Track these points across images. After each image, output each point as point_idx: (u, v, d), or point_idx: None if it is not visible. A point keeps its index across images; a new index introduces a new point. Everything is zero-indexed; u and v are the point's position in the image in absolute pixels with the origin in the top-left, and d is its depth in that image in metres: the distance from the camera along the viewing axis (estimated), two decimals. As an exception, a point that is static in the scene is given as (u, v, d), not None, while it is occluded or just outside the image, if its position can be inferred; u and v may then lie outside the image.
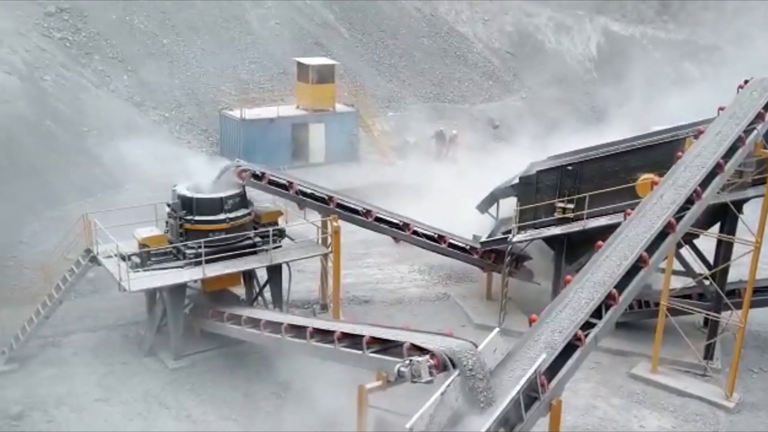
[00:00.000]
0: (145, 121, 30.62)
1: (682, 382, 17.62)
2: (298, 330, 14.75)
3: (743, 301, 17.01)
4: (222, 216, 17.87)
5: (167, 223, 18.21)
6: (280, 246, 18.77)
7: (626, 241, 12.99)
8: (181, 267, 17.44)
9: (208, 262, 17.26)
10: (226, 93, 33.44)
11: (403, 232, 21.02)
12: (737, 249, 17.41)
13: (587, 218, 18.69)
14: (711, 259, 18.67)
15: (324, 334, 13.96)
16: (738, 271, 18.58)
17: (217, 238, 17.69)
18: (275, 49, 36.29)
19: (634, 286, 12.34)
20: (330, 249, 18.98)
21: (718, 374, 17.87)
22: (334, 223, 18.69)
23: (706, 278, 18.05)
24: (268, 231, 18.19)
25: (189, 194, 17.93)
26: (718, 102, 17.11)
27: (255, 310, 18.14)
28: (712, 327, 18.42)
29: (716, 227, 18.12)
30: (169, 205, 18.13)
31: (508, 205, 20.45)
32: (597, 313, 11.78)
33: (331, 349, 13.42)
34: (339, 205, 20.39)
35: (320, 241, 19.63)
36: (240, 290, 19.54)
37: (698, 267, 18.61)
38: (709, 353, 18.35)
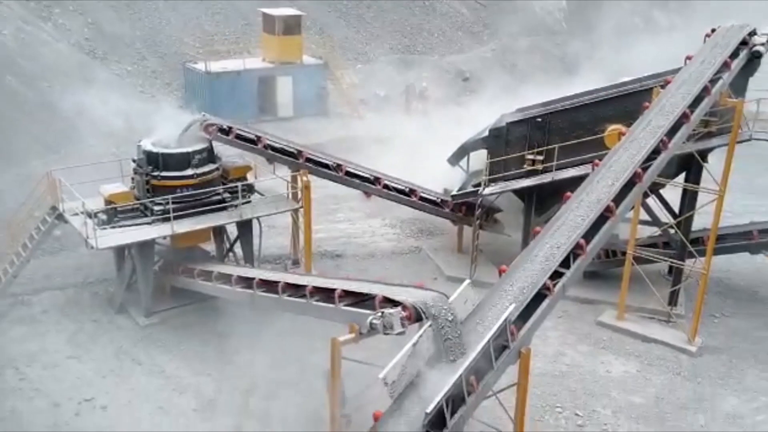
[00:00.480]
0: (107, 74, 29.87)
1: (647, 328, 18.12)
2: (270, 285, 14.77)
3: (707, 248, 17.45)
4: (189, 171, 17.67)
5: (133, 179, 17.97)
6: (249, 201, 18.66)
7: (594, 191, 13.14)
8: (149, 223, 17.28)
9: (176, 218, 17.13)
10: (189, 45, 32.68)
11: (374, 186, 21.02)
12: (702, 198, 17.76)
13: (556, 170, 18.86)
14: (676, 208, 19.07)
15: (296, 289, 14.01)
16: (702, 220, 19.00)
17: (184, 194, 17.52)
18: (240, 0, 35.43)
19: (602, 236, 12.53)
20: (300, 204, 18.91)
21: (681, 320, 18.39)
22: (304, 178, 18.60)
23: (671, 227, 18.43)
24: (236, 186, 18.05)
25: (155, 150, 17.66)
26: (688, 51, 17.22)
27: (226, 266, 18.11)
28: (676, 274, 18.89)
29: (682, 177, 18.44)
30: (134, 161, 17.86)
31: (479, 158, 20.52)
32: (565, 263, 11.98)
33: (304, 303, 13.49)
34: (309, 160, 20.25)
35: (290, 197, 19.54)
36: (211, 246, 19.48)
37: (664, 216, 18.97)
38: (673, 300, 18.86)
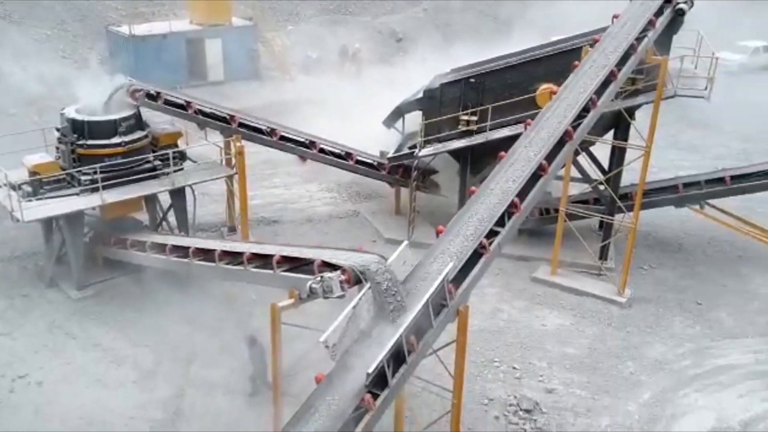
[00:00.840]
0: (25, 40, 28.45)
1: (579, 282, 18.75)
2: (206, 253, 14.59)
3: (634, 203, 18.08)
4: (117, 139, 17.15)
5: (58, 148, 17.33)
6: (181, 169, 18.27)
7: (527, 150, 13.36)
8: (77, 194, 16.75)
9: (105, 188, 16.64)
10: (112, 7, 31.37)
11: (309, 151, 20.88)
12: (629, 154, 18.32)
13: (490, 130, 19.09)
14: (606, 165, 19.62)
15: (233, 256, 13.88)
16: (630, 176, 19.63)
17: (113, 162, 17.01)
18: (164, -41, 34.15)
19: (535, 194, 12.78)
20: (234, 170, 18.65)
21: (611, 273, 19.06)
22: (238, 144, 18.31)
23: (601, 183, 18.97)
24: (167, 154, 17.63)
25: (80, 117, 17.03)
26: (615, 10, 17.56)
27: (160, 235, 17.77)
28: (606, 229, 19.53)
29: (610, 134, 18.96)
30: (58, 130, 17.20)
31: (414, 120, 20.59)
32: (500, 222, 12.20)
33: (242, 270, 13.37)
34: (242, 125, 19.95)
35: (224, 163, 19.24)
36: (143, 216, 19.06)
37: (594, 173, 19.50)
38: (603, 254, 19.53)
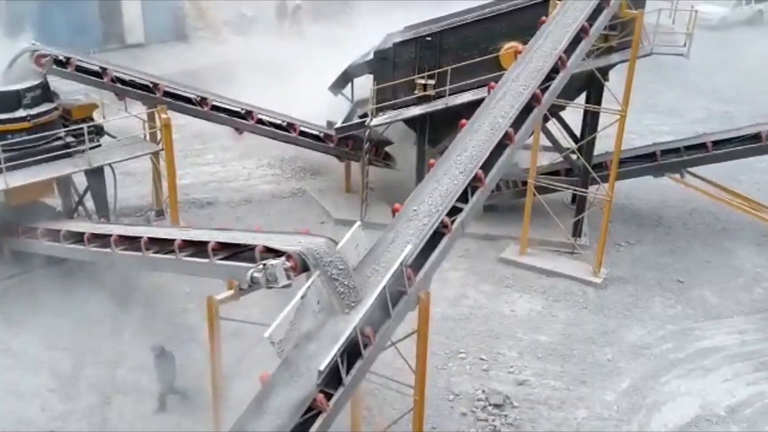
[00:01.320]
0: None
1: (551, 262, 19.11)
2: (130, 241, 14.42)
3: (609, 173, 18.42)
4: (21, 113, 16.72)
5: (-48, 125, 16.80)
6: (99, 145, 17.91)
7: (490, 117, 13.47)
8: (-23, 178, 16.30)
9: (9, 169, 16.23)
10: (9, -41, 30.38)
11: (246, 122, 20.71)
12: (603, 119, 18.61)
13: (450, 95, 19.18)
14: (578, 132, 19.94)
15: (162, 244, 13.76)
16: (605, 144, 19.98)
17: (17, 140, 16.59)
18: None
19: (501, 166, 12.91)
20: (160, 146, 18.41)
21: (586, 251, 19.50)
22: (163, 115, 18.06)
23: (573, 152, 19.29)
24: (81, 129, 17.25)
25: (-24, 88, 16.53)
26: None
27: (76, 222, 17.46)
28: (579, 203, 19.91)
29: (582, 98, 19.24)
30: (-49, 103, 16.67)
31: (365, 85, 20.55)
32: (463, 197, 12.30)
33: (173, 260, 13.25)
34: (167, 94, 19.67)
35: (148, 137, 18.98)
36: (56, 201, 18.67)
37: (565, 141, 19.79)
38: (577, 230, 19.92)
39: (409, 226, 11.85)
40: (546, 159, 20.56)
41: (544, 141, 19.58)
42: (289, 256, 10.71)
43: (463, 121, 13.47)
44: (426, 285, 11.42)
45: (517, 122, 13.40)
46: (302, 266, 10.69)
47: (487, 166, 12.71)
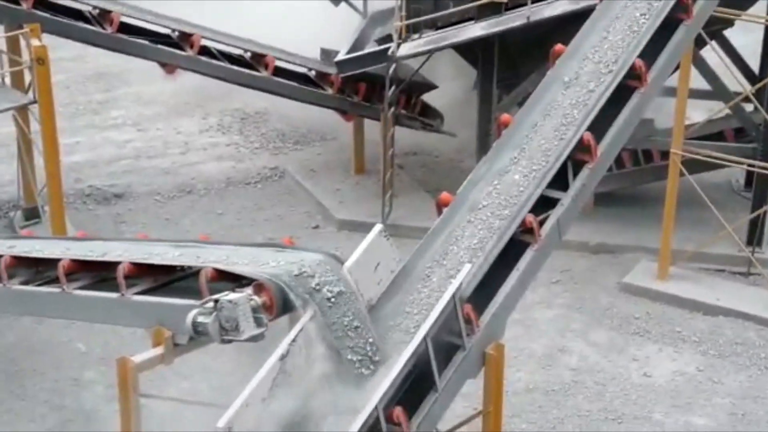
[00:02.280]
0: None
1: (712, 291, 19.04)
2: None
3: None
4: None
5: None
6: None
7: (605, 41, 13.50)
8: None
9: None
10: None
11: (180, 52, 20.69)
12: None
13: (534, 2, 19.19)
14: (755, 65, 19.89)
15: (38, 268, 13.88)
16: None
17: None
18: None
19: (623, 125, 12.93)
20: (32, 96, 18.58)
21: (771, 270, 19.48)
22: (35, 42, 18.20)
23: (748, 99, 19.21)
24: None
25: None
26: None
27: None
28: (760, 187, 19.84)
29: (763, 6, 19.13)
30: None
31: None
32: (560, 181, 12.35)
33: (55, 294, 13.28)
34: (44, 4, 19.65)
35: (8, 82, 19.16)
36: None
37: (735, 81, 19.69)
38: (756, 235, 19.80)
39: (467, 231, 11.90)
40: (700, 113, 20.40)
41: (697, 82, 19.49)
42: (259, 286, 10.72)
43: (558, 46, 13.46)
44: (497, 333, 11.44)
45: (650, 50, 13.40)
46: (281, 304, 10.71)
47: (599, 125, 12.74)
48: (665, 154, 19.23)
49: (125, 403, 11.19)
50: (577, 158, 12.47)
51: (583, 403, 16.73)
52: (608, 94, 12.93)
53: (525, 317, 17.90)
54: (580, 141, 12.45)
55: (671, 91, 18.35)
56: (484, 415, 11.42)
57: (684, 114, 18.67)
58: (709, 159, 19.05)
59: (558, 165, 12.35)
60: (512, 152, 12.58)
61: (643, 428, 16.26)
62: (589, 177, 12.51)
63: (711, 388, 17.10)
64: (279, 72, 21.52)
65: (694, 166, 19.02)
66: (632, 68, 13.10)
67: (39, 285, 13.65)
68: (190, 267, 12.06)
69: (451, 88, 21.88)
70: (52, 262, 13.39)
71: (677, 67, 16.96)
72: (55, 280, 13.31)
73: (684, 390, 17.04)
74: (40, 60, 18.03)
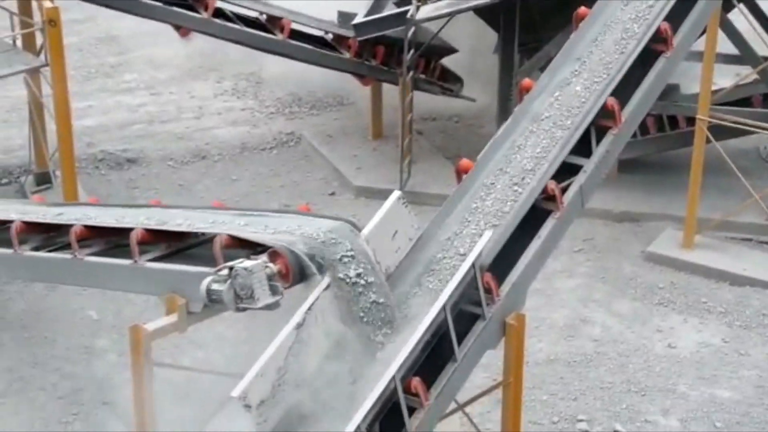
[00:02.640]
0: None
1: (738, 261, 18.96)
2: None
3: None
4: None
5: None
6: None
7: (628, 3, 13.46)
8: None
9: None
10: None
11: (195, 14, 20.63)
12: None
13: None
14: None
15: (49, 234, 13.87)
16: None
17: None
18: None
19: (648, 90, 12.87)
20: (43, 59, 18.52)
21: (800, 241, 19.36)
22: (47, 3, 18.12)
23: (778, 63, 19.03)
24: None
25: None
26: None
27: None
28: (788, 154, 19.65)
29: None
30: None
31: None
32: (583, 147, 12.28)
33: (68, 261, 13.29)
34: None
35: (20, 44, 19.10)
36: None
37: (762, 46, 19.57)
38: (784, 204, 19.65)
39: (488, 199, 11.82)
40: (727, 78, 20.20)
41: (725, 46, 19.30)
42: (274, 253, 10.66)
43: (582, 9, 13.43)
44: (518, 303, 11.41)
45: (677, 12, 13.32)
46: (298, 271, 10.65)
47: (624, 90, 12.67)
48: (691, 120, 19.13)
49: (138, 371, 11.20)
50: (600, 124, 12.45)
51: (605, 374, 16.68)
52: (633, 55, 12.91)
53: (546, 287, 17.86)
54: (604, 106, 12.39)
55: (698, 56, 18.30)
56: (504, 386, 11.43)
57: (711, 79, 18.55)
58: (736, 125, 18.92)
59: (581, 130, 12.32)
60: (531, 118, 12.57)
61: (667, 400, 16.22)
62: (612, 143, 12.50)
63: (737, 360, 17.03)
64: (295, 35, 21.46)
65: (720, 132, 18.89)
66: (658, 32, 13.05)
67: (52, 251, 13.70)
68: (204, 234, 12.08)
69: (471, 52, 21.72)
70: (66, 228, 13.42)
71: (704, 31, 16.87)
72: (67, 246, 13.35)
73: (709, 362, 16.97)
74: (52, 21, 17.99)
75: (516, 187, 11.88)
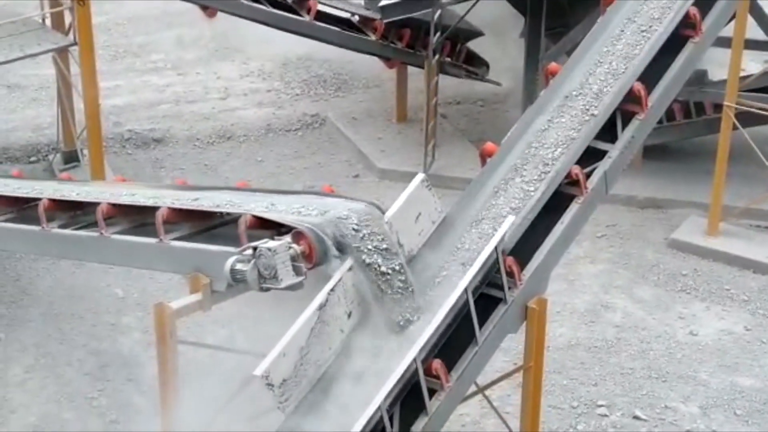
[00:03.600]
0: None
1: (763, 249, 18.89)
2: (20, 206, 14.67)
3: None
4: None
5: None
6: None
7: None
8: None
9: None
10: None
11: (221, -4, 20.67)
12: None
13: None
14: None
15: (76, 212, 13.97)
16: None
17: None
18: None
19: (676, 76, 12.88)
20: (72, 38, 18.61)
21: (827, 229, 19.34)
22: (76, -18, 18.19)
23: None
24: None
25: None
26: None
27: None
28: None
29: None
30: None
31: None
32: (608, 132, 12.33)
33: (94, 238, 13.36)
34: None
35: (49, 23, 19.18)
36: None
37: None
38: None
39: (511, 184, 11.88)
40: (756, 64, 20.17)
41: (754, 32, 19.28)
42: (298, 234, 10.75)
43: (609, -7, 13.46)
44: (540, 287, 11.47)
45: (703, -1, 13.36)
46: (321, 252, 10.74)
47: (650, 75, 12.67)
48: (718, 107, 19.05)
49: (162, 349, 11.30)
50: (626, 109, 12.44)
51: (626, 360, 16.71)
52: (660, 41, 12.92)
53: (569, 272, 17.88)
54: (631, 92, 12.40)
55: (726, 42, 18.26)
56: (524, 370, 11.47)
57: (739, 65, 18.51)
58: (763, 112, 18.85)
59: (606, 115, 12.34)
60: (557, 103, 12.59)
61: (687, 387, 16.22)
62: (638, 129, 12.51)
63: (759, 348, 17.03)
64: (321, 17, 21.38)
65: (747, 119, 18.83)
66: (686, 17, 13.02)
67: (79, 228, 13.75)
68: (229, 213, 12.12)
69: (497, 36, 21.71)
70: (92, 206, 13.46)
71: (733, 17, 16.84)
72: (93, 225, 13.42)
73: (731, 349, 16.98)
74: (81, 1, 18.04)
75: (540, 172, 11.91)
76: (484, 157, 12.16)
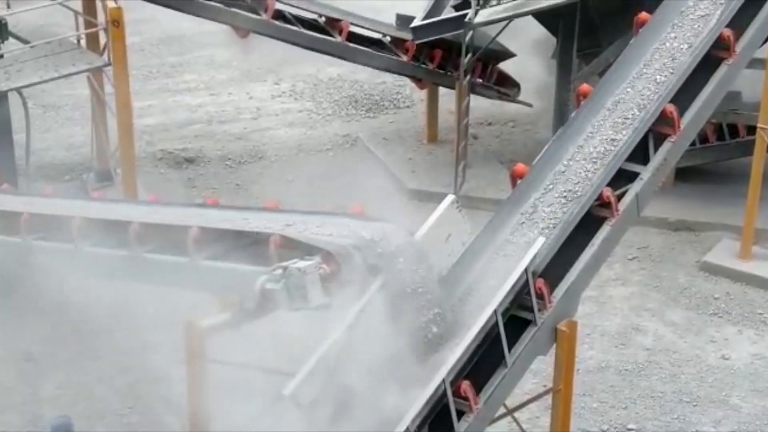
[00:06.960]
0: None
1: (799, 273, 18.84)
2: (53, 224, 14.71)
3: None
4: None
5: None
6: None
7: (691, 9, 13.43)
8: None
9: None
10: None
11: (254, 16, 20.73)
12: None
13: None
14: None
15: (107, 229, 14.02)
16: None
17: None
18: None
19: (709, 98, 12.86)
20: (106, 58, 18.71)
21: None
22: (111, 3, 18.27)
23: None
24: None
25: None
26: None
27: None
28: None
29: None
30: None
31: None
32: (640, 154, 12.33)
33: (126, 257, 13.49)
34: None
35: (84, 44, 19.27)
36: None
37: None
38: None
39: (542, 205, 11.91)
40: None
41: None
42: (328, 255, 10.78)
43: (643, 14, 13.44)
44: (570, 310, 11.49)
45: (742, 16, 13.32)
46: (349, 273, 10.77)
47: (683, 97, 12.68)
48: (752, 129, 18.98)
49: (192, 366, 11.39)
50: (659, 131, 12.42)
51: (656, 384, 16.65)
52: (693, 63, 12.89)
53: (599, 294, 17.85)
54: (663, 114, 12.40)
55: (760, 63, 18.19)
56: (554, 393, 11.48)
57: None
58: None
59: (638, 137, 12.35)
60: (589, 124, 12.60)
61: (719, 412, 16.15)
62: (670, 151, 12.53)
63: (793, 373, 16.94)
64: (353, 38, 21.48)
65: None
66: (720, 38, 12.97)
67: (110, 247, 13.83)
68: (259, 233, 12.12)
69: (529, 57, 21.71)
70: (124, 225, 13.57)
71: (767, 39, 16.79)
72: (124, 242, 13.52)
73: (763, 374, 16.88)
74: (116, 22, 18.14)
75: (571, 193, 11.94)
76: (515, 178, 12.18)
